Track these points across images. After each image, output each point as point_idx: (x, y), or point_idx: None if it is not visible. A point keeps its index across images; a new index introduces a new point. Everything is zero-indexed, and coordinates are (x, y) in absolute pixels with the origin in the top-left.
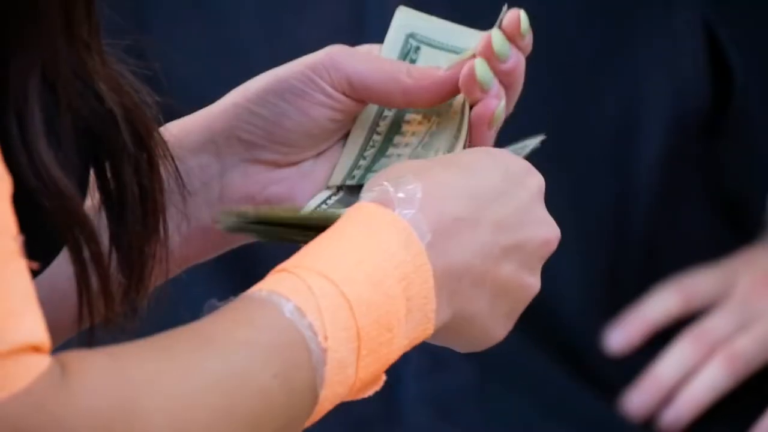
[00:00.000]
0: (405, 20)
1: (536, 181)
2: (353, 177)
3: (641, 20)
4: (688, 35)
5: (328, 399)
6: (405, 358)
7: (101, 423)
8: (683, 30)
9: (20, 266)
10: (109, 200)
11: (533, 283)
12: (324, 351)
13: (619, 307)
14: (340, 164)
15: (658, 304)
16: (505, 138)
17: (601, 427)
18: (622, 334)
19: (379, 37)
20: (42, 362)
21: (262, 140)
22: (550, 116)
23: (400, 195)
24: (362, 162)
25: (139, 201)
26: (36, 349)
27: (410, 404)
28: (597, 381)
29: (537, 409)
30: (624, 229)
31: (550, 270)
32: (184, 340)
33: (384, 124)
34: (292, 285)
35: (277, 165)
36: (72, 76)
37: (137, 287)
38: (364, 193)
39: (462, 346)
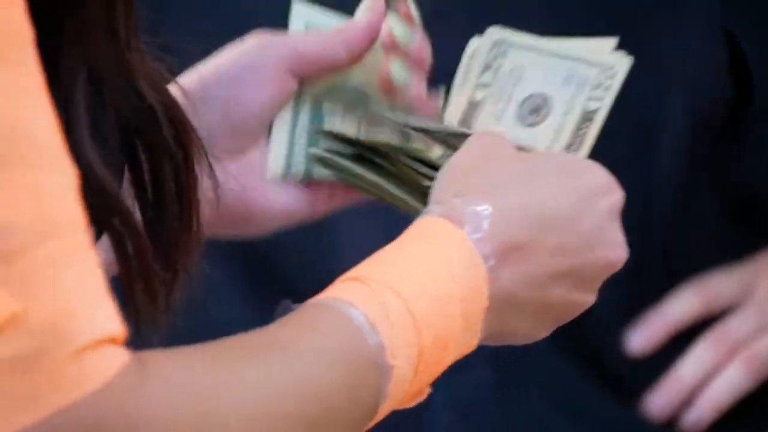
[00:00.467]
0: (302, 12)
1: (612, 200)
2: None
3: (655, 20)
4: (705, 35)
5: (384, 412)
6: None
7: (178, 426)
8: (699, 29)
9: (92, 259)
10: (144, 196)
11: (586, 300)
12: (391, 368)
13: (639, 308)
14: (274, 152)
15: (680, 306)
16: None
17: (622, 429)
18: (643, 335)
19: None
20: (122, 355)
21: (216, 127)
22: None
23: (469, 213)
24: (298, 141)
25: (175, 197)
26: (114, 341)
27: (430, 405)
28: (617, 382)
29: (557, 410)
30: (644, 230)
31: None
32: (259, 346)
33: (304, 107)
34: (364, 296)
35: (229, 157)
36: (115, 74)
37: (172, 282)
38: (433, 205)
39: (499, 344)
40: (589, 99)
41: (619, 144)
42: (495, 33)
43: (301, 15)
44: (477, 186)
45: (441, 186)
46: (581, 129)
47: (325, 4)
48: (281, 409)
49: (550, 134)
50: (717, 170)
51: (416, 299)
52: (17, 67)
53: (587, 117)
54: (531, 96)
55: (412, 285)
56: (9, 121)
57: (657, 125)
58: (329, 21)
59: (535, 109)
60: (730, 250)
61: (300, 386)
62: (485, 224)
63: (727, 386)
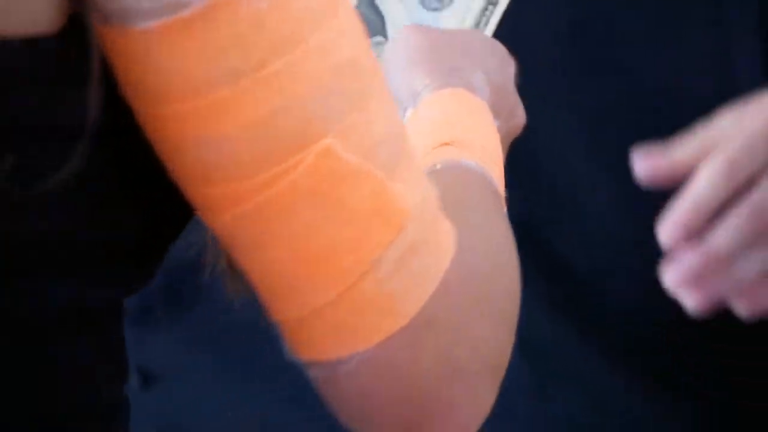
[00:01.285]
0: None
1: None
2: None
3: (691, 11)
4: (740, 24)
5: None
6: None
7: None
8: (735, 18)
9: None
10: None
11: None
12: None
13: (671, 302)
14: None
15: (704, 184)
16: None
17: (651, 424)
18: (671, 224)
19: None
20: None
21: None
22: (584, 109)
23: (477, 85)
24: None
25: None
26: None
27: None
28: (645, 376)
29: (585, 404)
30: None
31: (602, 265)
32: (479, 210)
33: None
34: (469, 154)
35: None
36: None
37: None
38: (439, 79)
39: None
40: None
41: (642, 131)
42: None
43: None
44: (455, 62)
45: (423, 67)
46: (486, 12)
47: None
48: (512, 256)
49: (457, 17)
50: None
51: (489, 150)
52: (346, 15)
53: (491, 1)
54: None
55: (489, 144)
56: (363, 60)
57: (682, 114)
58: None
59: None
60: None
61: (508, 235)
62: (487, 91)
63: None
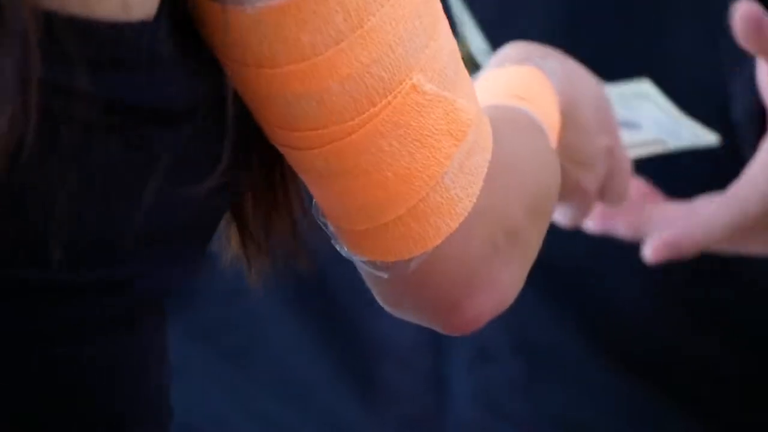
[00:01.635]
0: None
1: None
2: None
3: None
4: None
5: None
6: (453, 351)
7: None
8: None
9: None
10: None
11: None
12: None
13: (672, 303)
14: None
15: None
16: None
17: (652, 423)
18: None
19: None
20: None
21: None
22: None
23: (548, 69)
24: None
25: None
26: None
27: (458, 398)
28: (646, 376)
29: (585, 404)
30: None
31: (604, 268)
32: (522, 131)
33: None
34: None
35: None
36: None
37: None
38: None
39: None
40: None
41: None
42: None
43: None
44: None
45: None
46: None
47: None
48: (552, 165)
49: None
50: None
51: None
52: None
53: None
54: None
55: (552, 111)
56: (450, 45)
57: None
58: None
59: None
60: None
61: (549, 154)
62: (559, 86)
63: None
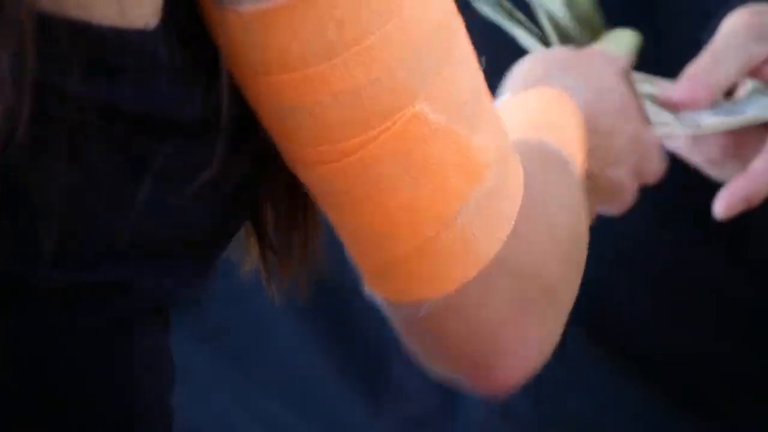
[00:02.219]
0: None
1: None
2: None
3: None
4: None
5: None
6: None
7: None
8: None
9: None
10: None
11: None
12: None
13: (683, 309)
14: None
15: None
16: None
17: (661, 428)
18: None
19: None
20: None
21: None
22: None
23: (569, 89)
24: None
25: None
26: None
27: (465, 399)
28: (655, 379)
29: (595, 409)
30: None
31: (606, 270)
32: (549, 167)
33: None
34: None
35: None
36: None
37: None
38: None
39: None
40: None
41: None
42: None
43: None
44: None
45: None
46: None
47: None
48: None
49: None
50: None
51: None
52: None
53: None
54: None
55: (577, 136)
56: (449, 20)
57: None
58: None
59: None
60: None
61: (575, 198)
62: (581, 100)
63: None
